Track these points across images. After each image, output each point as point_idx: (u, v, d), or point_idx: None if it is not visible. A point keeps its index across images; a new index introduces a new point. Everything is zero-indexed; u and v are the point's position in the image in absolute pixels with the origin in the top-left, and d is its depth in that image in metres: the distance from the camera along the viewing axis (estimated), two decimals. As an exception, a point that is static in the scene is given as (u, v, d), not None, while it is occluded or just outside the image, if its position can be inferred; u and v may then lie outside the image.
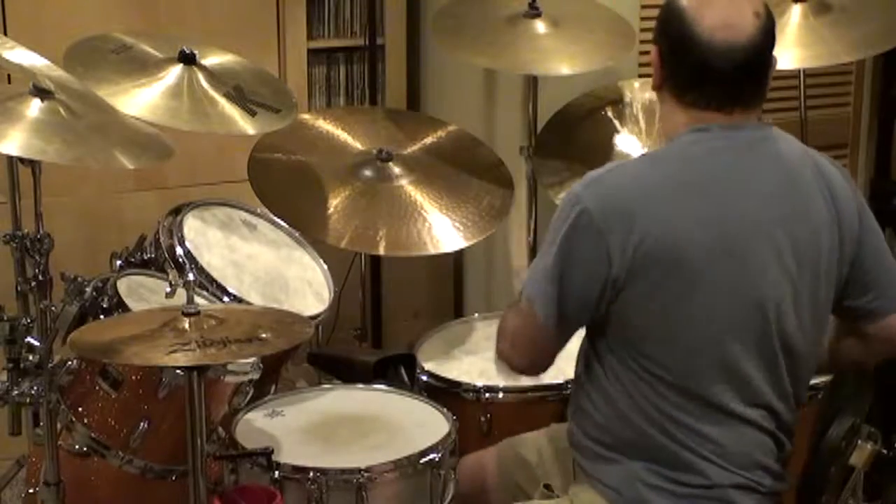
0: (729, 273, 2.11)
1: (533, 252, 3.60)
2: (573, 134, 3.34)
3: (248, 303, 2.76)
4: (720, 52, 2.09)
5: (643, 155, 2.43)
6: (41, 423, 2.56)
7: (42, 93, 2.45)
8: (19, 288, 2.57)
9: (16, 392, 2.52)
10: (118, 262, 2.80)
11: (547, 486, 2.38)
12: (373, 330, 3.72)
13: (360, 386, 2.81)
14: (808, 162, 2.21)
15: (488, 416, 2.78)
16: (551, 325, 2.15)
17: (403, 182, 3.17)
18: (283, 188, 3.11)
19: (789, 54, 3.19)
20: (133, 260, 2.82)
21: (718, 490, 2.16)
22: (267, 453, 2.39)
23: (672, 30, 2.13)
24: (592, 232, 2.09)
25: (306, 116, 3.37)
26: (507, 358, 2.26)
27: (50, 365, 2.51)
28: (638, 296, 2.10)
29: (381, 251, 3.07)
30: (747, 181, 2.14)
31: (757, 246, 2.12)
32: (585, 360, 2.26)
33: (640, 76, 3.59)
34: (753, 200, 2.14)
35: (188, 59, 2.93)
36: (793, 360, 2.18)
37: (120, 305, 2.59)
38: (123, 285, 2.66)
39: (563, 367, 2.56)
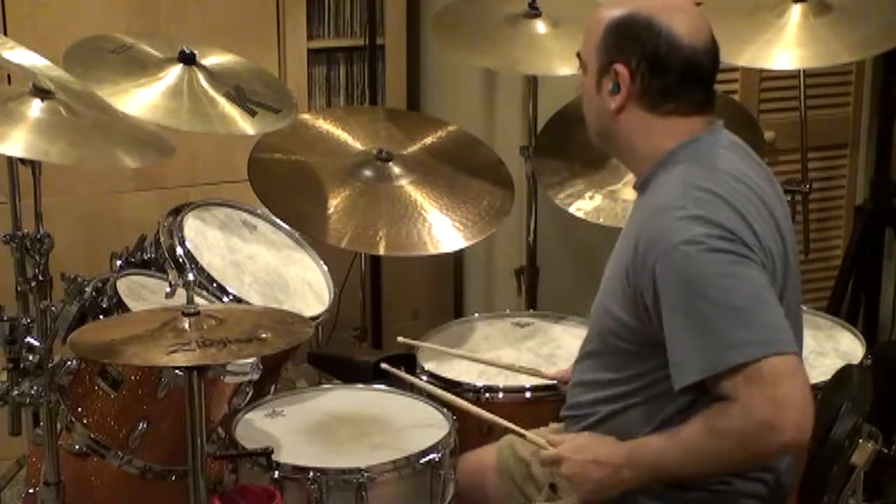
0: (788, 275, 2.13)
1: (533, 252, 3.60)
2: (573, 134, 3.33)
3: (248, 303, 2.76)
4: (703, 53, 2.12)
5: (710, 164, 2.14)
6: (41, 423, 2.56)
7: (42, 93, 2.45)
8: (19, 288, 2.57)
9: (16, 392, 2.52)
10: (118, 262, 2.80)
11: (552, 486, 2.38)
12: (373, 330, 3.72)
13: (360, 386, 2.80)
14: None
15: (488, 416, 2.77)
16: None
17: (403, 182, 3.17)
18: (283, 188, 3.11)
19: (789, 54, 3.18)
20: (133, 260, 2.82)
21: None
22: (267, 453, 2.39)
23: (645, 42, 2.10)
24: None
25: (306, 116, 3.37)
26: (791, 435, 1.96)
27: (50, 365, 2.51)
28: None
29: (381, 251, 3.07)
30: (765, 182, 2.18)
31: (789, 245, 2.16)
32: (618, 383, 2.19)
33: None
34: (776, 203, 2.17)
35: (188, 59, 2.92)
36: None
37: (120, 305, 2.59)
38: (123, 285, 2.66)
39: (563, 368, 2.57)
